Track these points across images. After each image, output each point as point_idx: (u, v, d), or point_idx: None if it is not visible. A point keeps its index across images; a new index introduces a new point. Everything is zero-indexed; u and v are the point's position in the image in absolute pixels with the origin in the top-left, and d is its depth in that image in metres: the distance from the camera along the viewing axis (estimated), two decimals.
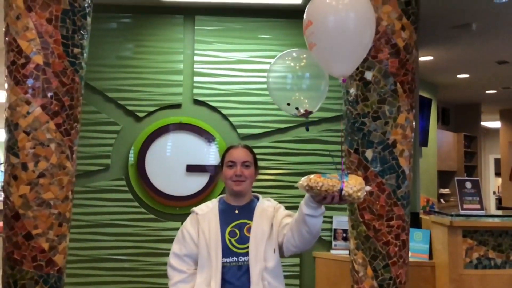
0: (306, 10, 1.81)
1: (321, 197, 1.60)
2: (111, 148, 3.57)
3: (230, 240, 1.83)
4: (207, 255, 1.82)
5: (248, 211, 1.90)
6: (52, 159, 2.26)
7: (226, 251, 1.81)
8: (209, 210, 1.92)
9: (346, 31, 1.67)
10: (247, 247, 1.82)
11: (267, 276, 1.80)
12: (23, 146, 2.24)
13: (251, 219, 1.87)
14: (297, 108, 1.74)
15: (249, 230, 1.85)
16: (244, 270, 1.80)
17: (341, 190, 1.55)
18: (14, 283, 2.23)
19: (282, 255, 1.87)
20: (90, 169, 3.54)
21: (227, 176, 1.89)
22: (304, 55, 1.86)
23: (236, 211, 1.90)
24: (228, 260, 1.81)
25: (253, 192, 2.00)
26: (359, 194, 1.57)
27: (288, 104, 1.76)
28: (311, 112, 1.76)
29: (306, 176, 1.61)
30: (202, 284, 1.80)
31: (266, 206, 1.92)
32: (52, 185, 2.26)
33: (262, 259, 1.80)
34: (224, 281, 1.79)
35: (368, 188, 1.63)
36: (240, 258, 1.81)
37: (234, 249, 1.82)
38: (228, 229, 1.85)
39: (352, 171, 2.57)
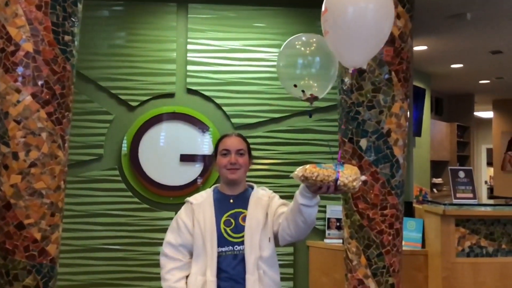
0: None
1: (316, 187, 1.60)
2: (103, 138, 3.54)
3: (225, 230, 1.83)
4: (202, 244, 1.81)
5: (243, 200, 1.89)
6: (43, 148, 2.23)
7: (221, 241, 1.81)
8: (203, 199, 1.91)
9: (358, 22, 1.63)
10: (242, 236, 1.81)
11: (262, 264, 1.80)
12: (13, 135, 2.20)
13: (246, 208, 1.87)
14: (303, 91, 1.72)
15: (244, 219, 1.84)
16: (239, 259, 1.80)
17: (336, 180, 1.55)
18: (7, 273, 2.21)
19: (277, 244, 1.87)
20: (82, 158, 3.51)
21: (222, 164, 1.88)
22: (315, 39, 1.83)
23: (231, 200, 1.89)
24: (223, 249, 1.81)
25: (248, 181, 1.99)
26: (354, 184, 1.57)
27: (295, 86, 1.74)
28: (316, 98, 1.74)
29: (301, 167, 1.61)
30: (197, 273, 1.80)
31: (261, 195, 1.91)
32: (44, 174, 2.24)
33: (257, 248, 1.80)
34: (219, 270, 1.79)
35: (363, 177, 1.63)
36: (236, 247, 1.81)
37: (230, 238, 1.82)
38: (223, 219, 1.85)
39: (347, 160, 2.57)
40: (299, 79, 1.76)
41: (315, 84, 1.76)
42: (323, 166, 1.59)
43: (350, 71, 1.72)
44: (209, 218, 1.84)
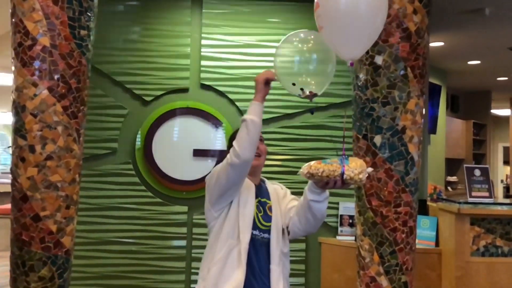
0: None
1: (323, 183, 1.61)
2: (118, 132, 3.57)
3: (257, 214, 1.84)
4: (235, 223, 1.77)
5: (263, 190, 1.91)
6: (59, 141, 2.26)
7: (253, 224, 1.81)
8: (247, 179, 1.84)
9: (351, 14, 1.64)
10: (269, 226, 1.83)
11: (283, 257, 1.84)
12: (30, 128, 2.24)
13: (269, 198, 1.89)
14: (301, 89, 1.72)
15: (270, 209, 1.86)
16: (264, 248, 1.81)
17: (342, 174, 1.55)
18: (23, 264, 2.26)
19: (290, 232, 1.88)
20: (97, 152, 3.55)
21: None
22: (312, 36, 1.84)
23: (256, 189, 1.90)
24: (254, 232, 1.81)
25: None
26: (360, 176, 1.57)
27: (294, 84, 1.74)
28: (315, 95, 1.74)
29: (307, 164, 1.61)
30: (229, 235, 1.77)
31: (276, 187, 1.96)
32: (60, 167, 2.27)
33: (281, 240, 1.83)
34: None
35: (369, 169, 1.63)
36: (261, 234, 1.82)
37: (259, 224, 1.83)
38: (255, 203, 1.85)
39: (361, 157, 2.54)
40: (297, 76, 1.76)
41: (313, 82, 1.75)
42: (328, 161, 1.59)
43: (348, 64, 1.72)
44: (251, 197, 1.82)
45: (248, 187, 1.85)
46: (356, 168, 1.56)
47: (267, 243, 1.81)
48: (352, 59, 1.70)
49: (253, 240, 1.79)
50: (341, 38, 1.69)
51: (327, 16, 1.67)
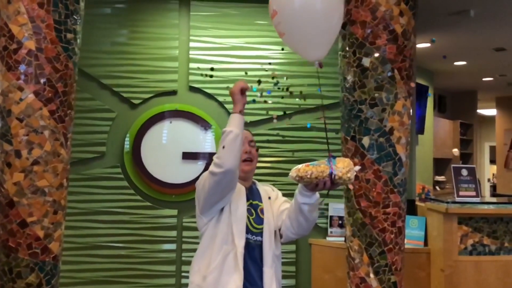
0: None
1: (313, 185, 1.62)
2: (106, 136, 3.54)
3: (248, 218, 1.83)
4: (229, 227, 1.77)
5: (254, 192, 1.91)
6: (46, 146, 2.23)
7: (246, 227, 1.81)
8: (238, 184, 1.84)
9: (308, 16, 1.68)
10: (261, 228, 1.82)
11: (275, 259, 1.84)
12: (16, 133, 2.21)
13: (260, 200, 1.89)
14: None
15: (262, 211, 1.86)
16: (256, 251, 1.81)
17: (331, 174, 1.56)
18: (10, 271, 2.22)
19: (280, 238, 1.88)
20: (85, 156, 3.52)
21: None
22: None
23: (247, 192, 1.89)
24: (247, 236, 1.81)
25: None
26: (349, 175, 1.59)
27: None
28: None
29: (295, 167, 1.63)
30: (225, 237, 1.77)
31: (267, 189, 1.95)
32: (47, 172, 2.24)
33: (273, 242, 1.82)
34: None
35: (357, 168, 1.65)
36: (253, 237, 1.82)
37: (251, 227, 1.82)
38: (246, 207, 1.85)
39: (349, 158, 2.56)
40: None
41: None
42: (315, 163, 1.61)
43: (316, 65, 1.74)
44: (242, 201, 1.82)
45: (239, 190, 1.84)
46: (343, 167, 1.58)
47: (259, 246, 1.81)
48: (317, 60, 1.74)
49: (247, 244, 1.79)
50: (302, 41, 1.74)
51: (286, 22, 1.71)
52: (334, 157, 1.62)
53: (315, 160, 1.68)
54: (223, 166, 1.64)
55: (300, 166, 1.61)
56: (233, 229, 1.76)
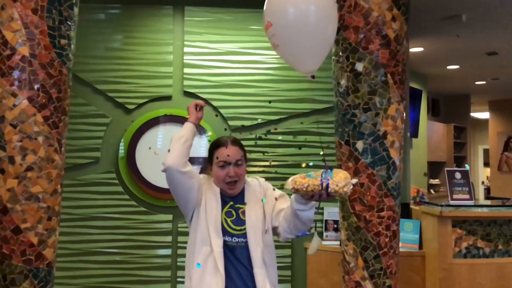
0: (264, 10, 1.81)
1: (309, 196, 1.64)
2: (100, 141, 3.54)
3: (226, 220, 1.83)
4: (206, 229, 1.79)
5: (239, 196, 1.89)
6: (40, 152, 2.22)
7: (222, 230, 1.81)
8: (212, 185, 1.87)
9: (306, 29, 1.69)
10: (242, 229, 1.81)
11: (266, 259, 1.82)
12: (10, 139, 2.20)
13: (243, 203, 1.87)
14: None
15: (244, 213, 1.84)
16: (239, 251, 1.80)
17: (327, 187, 1.57)
18: (3, 278, 2.21)
19: (278, 236, 1.87)
20: (79, 162, 3.51)
21: (220, 177, 1.84)
22: None
23: (229, 197, 1.88)
24: (224, 238, 1.80)
25: None
26: (345, 189, 1.59)
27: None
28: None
29: (291, 178, 1.63)
30: (204, 253, 1.78)
31: (254, 186, 1.91)
32: (41, 178, 2.23)
33: (261, 242, 1.81)
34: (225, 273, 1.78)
35: (354, 181, 1.64)
36: (234, 239, 1.81)
37: (229, 229, 1.82)
38: (225, 209, 1.84)
39: (343, 163, 2.57)
40: None
41: None
42: (312, 175, 1.60)
43: (308, 78, 1.81)
44: (216, 204, 1.83)
45: (214, 192, 1.85)
46: (340, 181, 1.58)
47: (245, 247, 1.80)
48: (310, 73, 1.76)
49: (228, 246, 1.79)
50: (296, 54, 1.75)
51: (280, 34, 1.72)
52: (331, 168, 1.62)
53: (310, 167, 1.69)
54: (164, 164, 1.80)
55: (296, 176, 1.62)
56: (209, 230, 1.78)
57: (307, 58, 1.75)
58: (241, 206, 1.86)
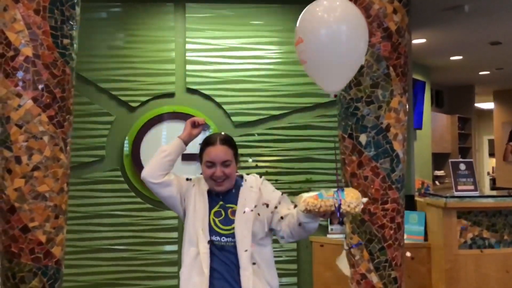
0: (297, 25, 1.82)
1: (320, 215, 1.63)
2: (105, 139, 3.56)
3: (214, 220, 1.82)
4: (193, 229, 1.82)
5: (232, 195, 1.86)
6: (45, 151, 2.25)
7: (210, 230, 1.81)
8: (201, 185, 1.88)
9: (334, 47, 1.70)
10: (231, 229, 1.80)
11: (257, 258, 1.79)
12: (16, 140, 2.22)
13: (235, 203, 1.83)
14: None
15: (233, 213, 1.82)
16: (227, 251, 1.80)
17: (339, 207, 1.58)
18: (13, 276, 2.24)
19: (278, 239, 1.86)
20: (84, 160, 3.53)
21: (207, 175, 1.83)
22: None
23: (220, 196, 1.87)
24: (212, 238, 1.80)
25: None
26: (356, 209, 1.60)
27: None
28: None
29: (303, 199, 1.61)
30: (191, 256, 1.81)
31: (250, 186, 1.86)
32: (47, 177, 2.25)
33: (249, 243, 1.77)
34: (211, 269, 1.78)
35: (364, 200, 1.64)
36: (223, 239, 1.80)
37: (216, 229, 1.81)
38: (214, 209, 1.84)
39: (347, 156, 2.58)
40: None
41: None
42: (324, 195, 1.59)
43: (332, 96, 1.84)
44: (203, 204, 1.83)
45: (202, 193, 1.85)
46: (351, 202, 1.58)
47: (235, 247, 1.78)
48: (335, 92, 1.76)
49: (216, 246, 1.79)
50: (324, 72, 1.74)
51: (311, 50, 1.72)
52: (343, 188, 1.62)
53: (319, 186, 1.68)
54: (141, 174, 1.87)
55: (308, 197, 1.61)
56: (197, 231, 1.80)
57: (334, 78, 1.76)
58: (231, 205, 1.84)
